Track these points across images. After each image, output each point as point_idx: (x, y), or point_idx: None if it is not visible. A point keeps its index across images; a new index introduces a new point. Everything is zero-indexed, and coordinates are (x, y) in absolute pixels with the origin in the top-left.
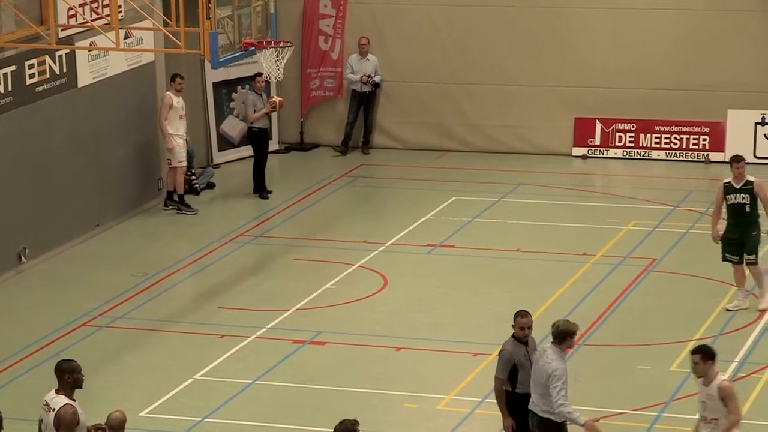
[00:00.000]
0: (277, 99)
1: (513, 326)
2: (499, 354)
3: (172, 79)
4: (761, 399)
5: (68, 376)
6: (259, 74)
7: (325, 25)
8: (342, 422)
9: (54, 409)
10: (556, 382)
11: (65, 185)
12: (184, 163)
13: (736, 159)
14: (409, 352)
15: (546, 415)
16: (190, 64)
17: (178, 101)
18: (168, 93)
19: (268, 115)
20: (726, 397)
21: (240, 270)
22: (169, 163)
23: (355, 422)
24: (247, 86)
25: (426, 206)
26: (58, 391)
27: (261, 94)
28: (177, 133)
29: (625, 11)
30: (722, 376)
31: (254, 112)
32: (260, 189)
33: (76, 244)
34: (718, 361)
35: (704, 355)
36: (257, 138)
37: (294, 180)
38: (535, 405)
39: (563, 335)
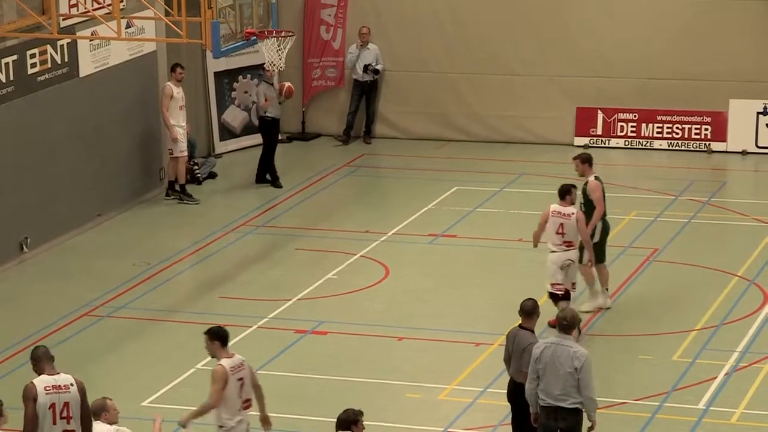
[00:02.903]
0: (286, 84)
1: (534, 317)
2: (525, 350)
3: (173, 69)
4: (763, 389)
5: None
6: None
7: (326, 15)
8: (345, 411)
9: (72, 384)
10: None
11: (67, 175)
12: (185, 153)
13: (575, 156)
14: (411, 342)
15: (576, 405)
16: (191, 53)
17: (178, 92)
18: (168, 83)
19: (280, 103)
20: (211, 379)
21: (242, 260)
22: (171, 153)
23: (359, 412)
24: (258, 76)
25: (428, 196)
26: (49, 372)
27: (272, 84)
28: (177, 123)
29: (626, 1)
30: (224, 362)
31: (265, 101)
32: (273, 178)
33: (77, 234)
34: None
35: (211, 336)
36: (269, 127)
37: (296, 170)
38: (560, 398)
39: (575, 323)
